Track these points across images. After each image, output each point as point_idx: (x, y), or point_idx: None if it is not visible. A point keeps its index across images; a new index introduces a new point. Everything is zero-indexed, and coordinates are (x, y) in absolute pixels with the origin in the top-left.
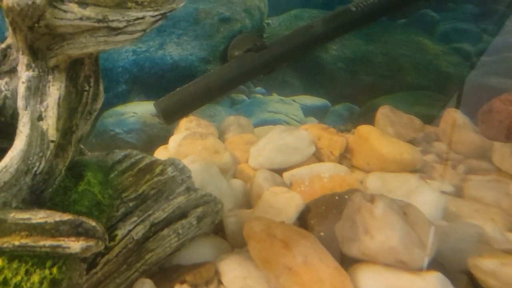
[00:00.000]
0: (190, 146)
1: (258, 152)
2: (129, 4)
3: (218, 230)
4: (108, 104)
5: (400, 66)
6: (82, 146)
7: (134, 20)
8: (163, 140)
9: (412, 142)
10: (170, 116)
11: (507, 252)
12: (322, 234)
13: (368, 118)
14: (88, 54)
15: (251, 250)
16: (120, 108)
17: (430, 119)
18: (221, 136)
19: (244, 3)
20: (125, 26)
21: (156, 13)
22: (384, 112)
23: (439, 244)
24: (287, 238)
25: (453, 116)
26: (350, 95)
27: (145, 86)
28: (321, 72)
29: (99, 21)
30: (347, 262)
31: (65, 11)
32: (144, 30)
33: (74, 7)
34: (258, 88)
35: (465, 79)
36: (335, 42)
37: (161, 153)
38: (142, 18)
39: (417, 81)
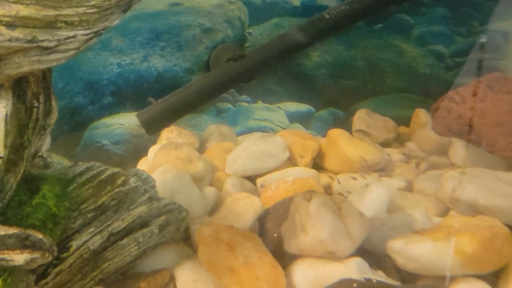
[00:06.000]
0: (165, 156)
1: (234, 159)
2: (59, 24)
3: (188, 237)
4: (95, 117)
5: (380, 70)
6: (50, 159)
7: (65, 39)
8: None
9: (384, 143)
10: (152, 127)
11: (416, 232)
12: (275, 235)
13: (350, 122)
14: (24, 73)
15: (200, 254)
16: (106, 120)
17: (408, 121)
18: (203, 145)
19: (225, 14)
20: (56, 45)
21: (87, 31)
22: (360, 116)
23: (370, 234)
24: (232, 241)
25: (419, 116)
26: (334, 100)
27: (131, 98)
28: (305, 79)
29: (28, 41)
30: (288, 259)
31: None
32: (77, 48)
33: (2, 29)
34: (243, 97)
35: (440, 80)
36: (317, 49)
37: (143, 164)
38: (73, 37)
39: (397, 84)
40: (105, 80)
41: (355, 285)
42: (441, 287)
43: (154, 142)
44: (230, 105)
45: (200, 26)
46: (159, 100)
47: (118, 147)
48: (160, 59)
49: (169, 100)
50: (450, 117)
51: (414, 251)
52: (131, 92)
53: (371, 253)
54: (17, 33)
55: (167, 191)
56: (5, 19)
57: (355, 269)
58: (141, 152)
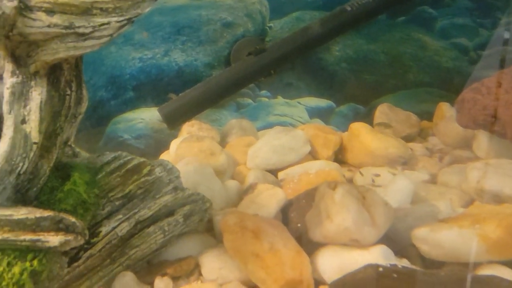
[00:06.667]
0: (187, 149)
1: (255, 153)
2: (94, 11)
3: (211, 228)
4: (117, 111)
5: (402, 64)
6: (78, 149)
7: (100, 25)
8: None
9: (407, 137)
10: (173, 121)
11: (441, 220)
12: (299, 225)
13: (371, 117)
14: (60, 59)
15: (225, 242)
16: (128, 115)
17: (430, 115)
18: (224, 139)
19: (245, 7)
20: (92, 32)
21: (121, 18)
22: (382, 110)
23: (394, 224)
24: (257, 228)
25: (442, 109)
26: (355, 95)
27: (152, 92)
28: (325, 74)
29: (66, 27)
30: (313, 246)
31: (34, 20)
32: (111, 35)
33: (42, 15)
34: (263, 92)
35: (463, 73)
36: (337, 43)
37: (164, 157)
38: (108, 23)
39: (419, 78)
40: (127, 74)
41: (380, 269)
42: (465, 273)
43: (174, 136)
44: (250, 100)
45: (221, 20)
46: (180, 95)
47: (140, 141)
48: (181, 54)
49: (190, 94)
50: (476, 109)
51: (440, 238)
52: (153, 87)
53: (395, 243)
54: (55, 19)
55: (189, 183)
56: (45, 5)
57: (380, 256)
58: (161, 146)
